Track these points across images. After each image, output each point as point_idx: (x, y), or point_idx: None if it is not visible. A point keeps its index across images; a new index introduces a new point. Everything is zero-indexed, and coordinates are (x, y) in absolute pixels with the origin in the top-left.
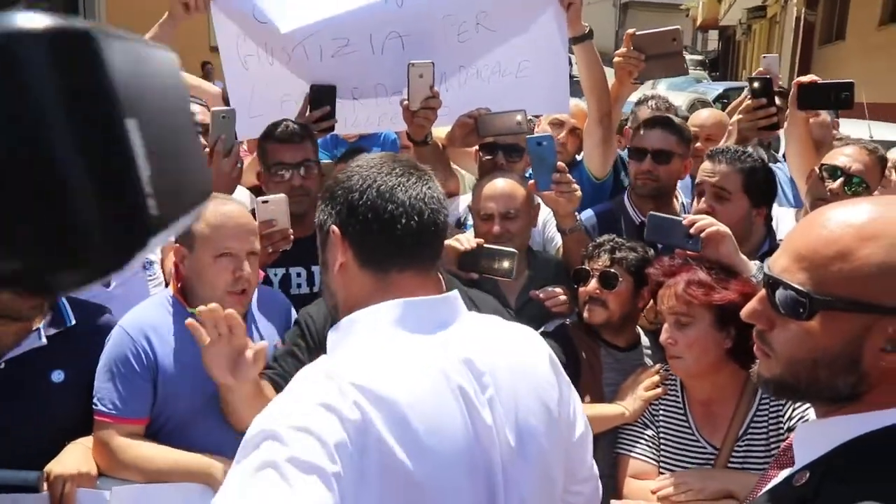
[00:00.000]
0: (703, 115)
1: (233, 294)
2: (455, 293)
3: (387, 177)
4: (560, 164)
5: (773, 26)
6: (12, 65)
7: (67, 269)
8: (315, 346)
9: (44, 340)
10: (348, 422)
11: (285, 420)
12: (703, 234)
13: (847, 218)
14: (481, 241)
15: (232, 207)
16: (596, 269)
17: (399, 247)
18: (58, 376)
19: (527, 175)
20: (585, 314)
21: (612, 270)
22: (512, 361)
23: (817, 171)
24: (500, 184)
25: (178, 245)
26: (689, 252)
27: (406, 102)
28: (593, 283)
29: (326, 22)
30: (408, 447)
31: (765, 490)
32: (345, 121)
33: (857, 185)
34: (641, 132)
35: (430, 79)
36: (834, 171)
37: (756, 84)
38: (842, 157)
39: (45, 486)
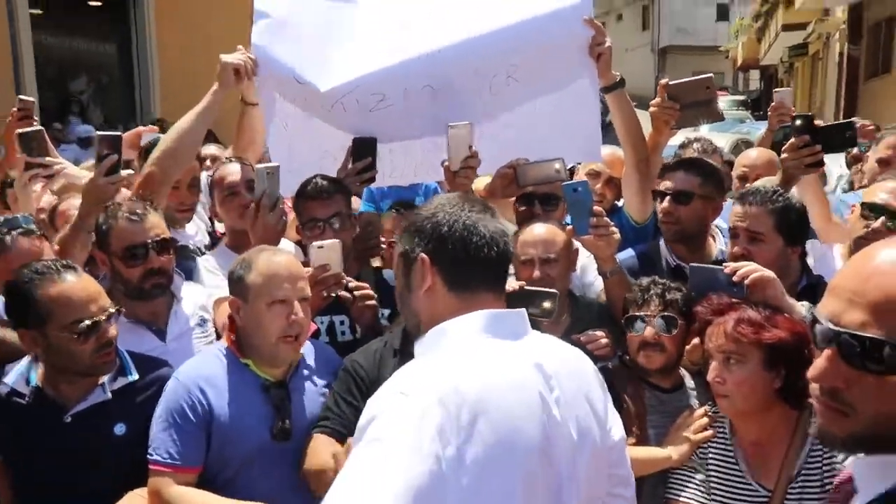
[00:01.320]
0: (752, 156)
1: (287, 339)
2: (523, 310)
3: (469, 213)
4: (597, 207)
5: (815, 63)
6: None
7: None
8: (367, 391)
9: (108, 395)
10: (451, 408)
11: (392, 403)
12: (746, 281)
13: None
14: (523, 283)
15: (282, 257)
16: (650, 314)
17: (482, 271)
18: (120, 429)
19: (565, 222)
20: (642, 360)
21: (671, 315)
22: (570, 368)
23: (859, 208)
24: (539, 229)
25: (232, 297)
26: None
27: (447, 163)
28: (651, 330)
29: (364, 78)
30: (499, 433)
31: None
32: (382, 173)
33: None
34: (665, 173)
35: (469, 139)
36: (875, 209)
37: (798, 122)
38: (882, 193)
39: None
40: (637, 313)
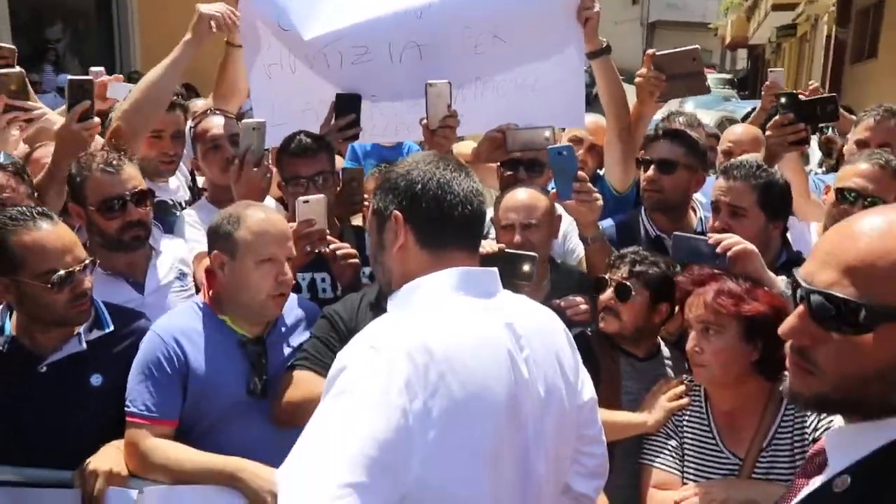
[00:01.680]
0: (738, 131)
1: (275, 297)
2: (494, 269)
3: (443, 171)
4: (581, 173)
5: (803, 45)
6: None
7: None
8: (346, 337)
9: (84, 345)
10: (419, 363)
11: (361, 356)
12: (729, 253)
13: None
14: (503, 245)
15: (272, 215)
16: (614, 279)
17: (455, 230)
18: (96, 380)
19: (549, 188)
20: (600, 323)
21: (627, 283)
22: (540, 328)
23: (834, 193)
24: (521, 195)
25: (216, 252)
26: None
27: (425, 122)
28: (608, 293)
29: (347, 30)
30: (467, 389)
31: (798, 500)
32: (365, 130)
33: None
34: (650, 143)
35: (447, 98)
36: (850, 195)
37: (783, 99)
38: (855, 178)
39: (78, 483)
40: (603, 276)
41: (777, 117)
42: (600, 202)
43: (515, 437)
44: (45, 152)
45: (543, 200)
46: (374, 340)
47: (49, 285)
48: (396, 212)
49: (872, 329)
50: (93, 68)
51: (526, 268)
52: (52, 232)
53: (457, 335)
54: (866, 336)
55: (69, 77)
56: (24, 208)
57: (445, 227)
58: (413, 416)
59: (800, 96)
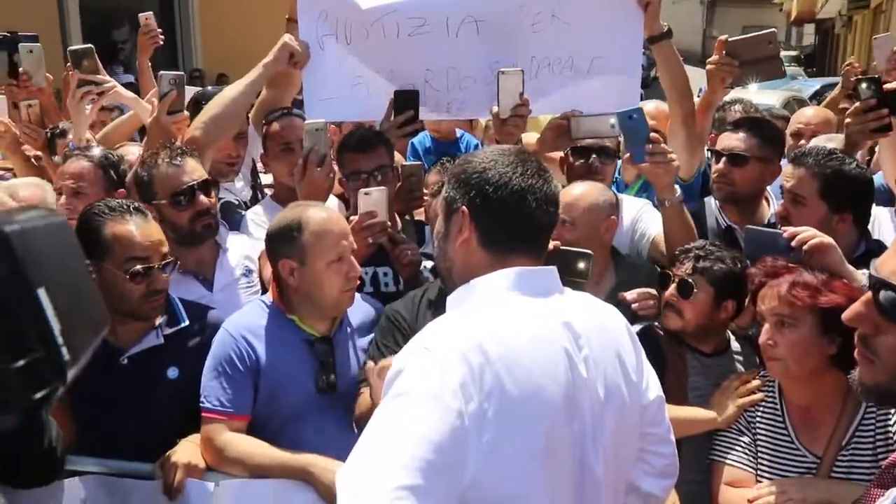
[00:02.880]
0: (809, 113)
1: (346, 292)
2: (553, 268)
3: (520, 178)
4: (654, 134)
5: (877, 17)
6: None
7: None
8: (409, 335)
9: (162, 339)
10: (472, 364)
11: (417, 358)
12: (805, 247)
13: None
14: (558, 242)
15: (332, 215)
16: (678, 275)
17: (520, 240)
18: (173, 373)
19: (616, 177)
20: (662, 319)
21: (690, 280)
22: (601, 327)
23: None
24: (572, 189)
25: (283, 261)
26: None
27: (495, 110)
28: (671, 290)
29: (406, 1)
30: (522, 390)
31: None
32: (420, 109)
33: None
34: (724, 132)
35: (520, 86)
36: None
37: (864, 84)
38: None
39: (158, 474)
40: (668, 271)
41: (858, 103)
42: (676, 163)
43: (572, 437)
44: (129, 150)
45: (586, 199)
46: (429, 342)
47: (128, 275)
48: (464, 207)
49: None
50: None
51: (581, 265)
52: (142, 227)
53: (512, 335)
54: None
55: (162, 72)
56: (122, 202)
57: (511, 234)
58: (468, 417)
59: (886, 86)
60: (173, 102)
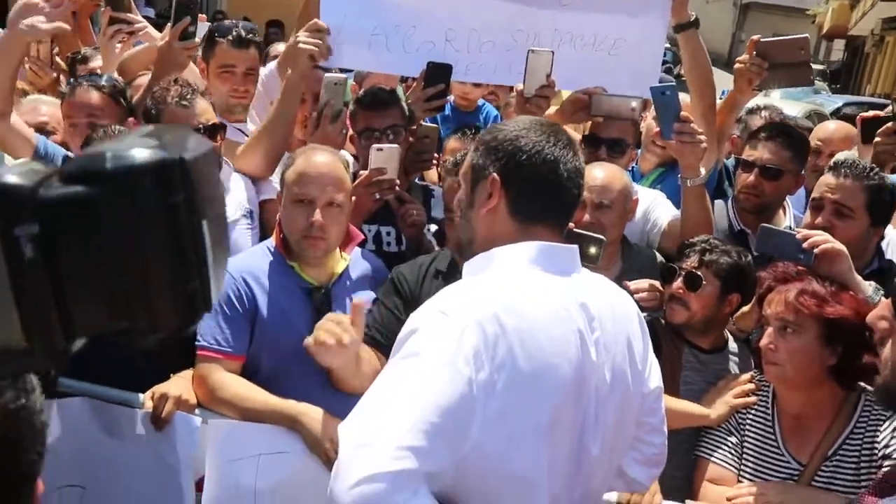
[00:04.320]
0: (830, 129)
1: (308, 239)
2: (575, 247)
3: (552, 147)
4: (684, 113)
5: None
6: (131, 193)
7: (151, 333)
8: (412, 302)
9: None
10: (488, 334)
11: (433, 321)
12: (817, 250)
13: None
14: (571, 224)
15: (320, 158)
16: (684, 268)
17: (550, 208)
18: None
19: (633, 167)
20: (667, 312)
21: (698, 273)
22: (614, 312)
23: None
24: (598, 173)
25: (279, 191)
26: (800, 266)
27: (520, 87)
28: (677, 283)
29: None
30: (534, 365)
31: None
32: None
33: None
34: (756, 141)
35: (548, 67)
36: None
37: None
38: None
39: (148, 404)
40: (673, 264)
41: (890, 123)
42: (704, 145)
43: (575, 416)
44: (146, 80)
45: (620, 181)
46: (447, 306)
47: None
48: (495, 174)
49: None
50: None
51: (592, 250)
52: None
53: (530, 310)
54: None
55: None
56: (124, 129)
57: (541, 203)
58: (478, 386)
59: (879, 116)
60: (185, 29)
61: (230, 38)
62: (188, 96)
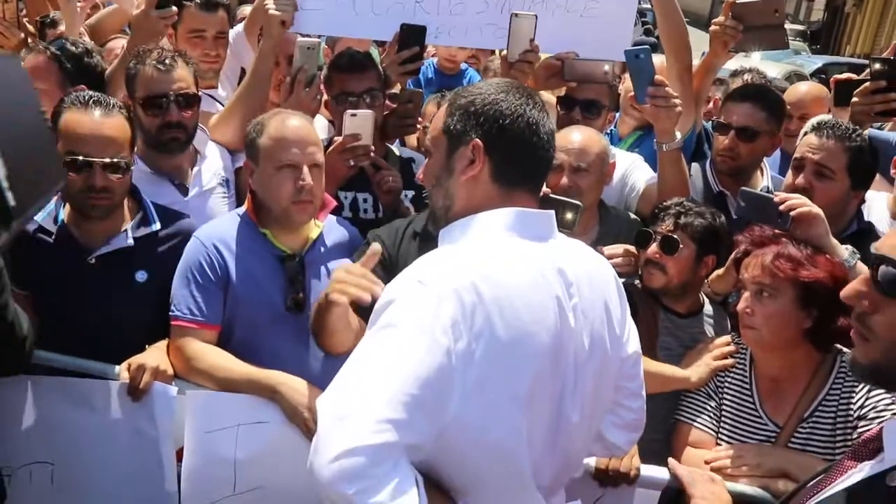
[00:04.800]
0: (802, 90)
1: (298, 203)
2: (551, 212)
3: (532, 110)
4: (658, 77)
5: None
6: None
7: None
8: (389, 265)
9: (131, 241)
10: (465, 303)
11: (409, 291)
12: (793, 213)
13: None
14: (547, 190)
15: (294, 121)
16: (659, 232)
17: (531, 171)
18: (141, 276)
19: (611, 130)
20: (644, 277)
21: (674, 236)
22: (592, 277)
23: None
24: (575, 136)
25: (246, 160)
26: (777, 230)
27: (504, 53)
28: (654, 247)
29: None
30: (511, 333)
31: (845, 484)
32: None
33: None
34: (731, 103)
35: (531, 31)
36: None
37: (878, 65)
38: None
39: (124, 376)
40: (647, 228)
41: (868, 83)
42: (679, 108)
43: (554, 383)
44: (118, 44)
45: (597, 144)
46: (423, 276)
47: (66, 165)
48: (477, 140)
49: None
50: None
51: (569, 216)
52: (96, 121)
53: (506, 278)
54: None
55: None
56: (87, 94)
57: (523, 166)
58: (456, 356)
59: (852, 79)
60: None
61: (198, 1)
62: (167, 61)
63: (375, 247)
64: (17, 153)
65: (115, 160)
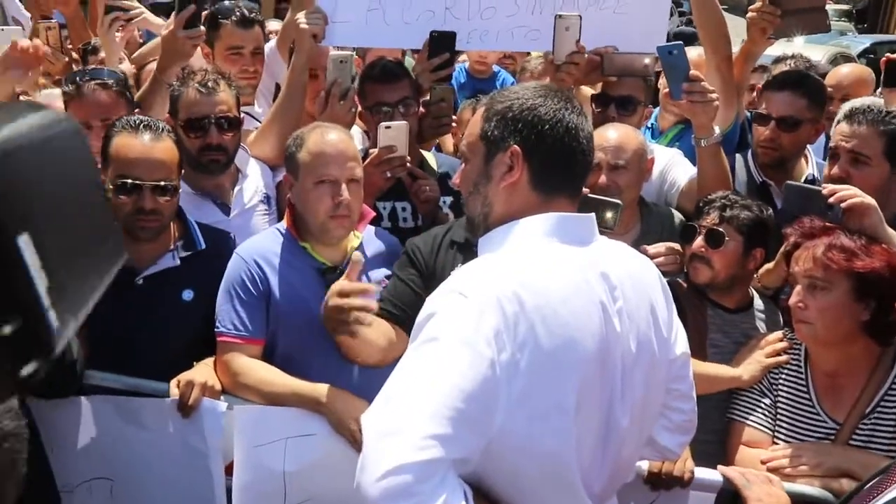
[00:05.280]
0: (842, 72)
1: (335, 218)
2: (591, 216)
3: (571, 115)
4: (693, 72)
5: None
6: None
7: None
8: (427, 273)
9: (177, 261)
10: (508, 313)
11: (451, 303)
12: (844, 205)
13: None
14: (586, 190)
15: (333, 136)
16: (704, 226)
17: (570, 177)
18: (188, 295)
19: (651, 124)
20: (690, 272)
21: (720, 229)
22: (635, 279)
23: None
24: (611, 134)
25: (286, 174)
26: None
27: (550, 56)
28: (699, 241)
29: None
30: (556, 341)
31: None
32: (459, 39)
33: None
34: (769, 93)
35: (576, 33)
36: None
37: None
38: None
39: (174, 392)
40: (692, 223)
41: None
42: (716, 103)
43: (602, 389)
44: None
45: (634, 140)
46: (464, 287)
47: (115, 189)
48: (516, 146)
49: None
50: None
51: (609, 215)
52: (139, 143)
53: (549, 285)
54: None
55: None
56: (137, 118)
57: (563, 173)
58: (500, 367)
59: None
60: (190, 18)
61: (234, 18)
62: (209, 83)
63: (357, 255)
64: (65, 252)
65: (164, 183)
